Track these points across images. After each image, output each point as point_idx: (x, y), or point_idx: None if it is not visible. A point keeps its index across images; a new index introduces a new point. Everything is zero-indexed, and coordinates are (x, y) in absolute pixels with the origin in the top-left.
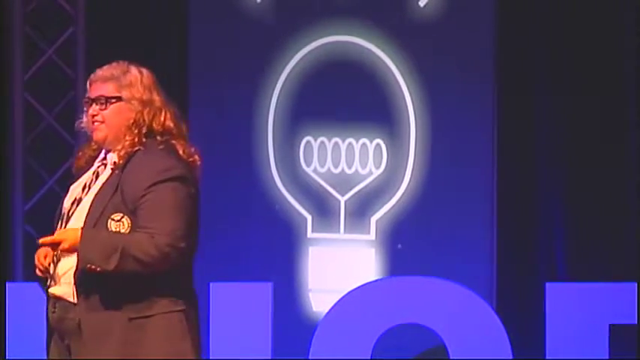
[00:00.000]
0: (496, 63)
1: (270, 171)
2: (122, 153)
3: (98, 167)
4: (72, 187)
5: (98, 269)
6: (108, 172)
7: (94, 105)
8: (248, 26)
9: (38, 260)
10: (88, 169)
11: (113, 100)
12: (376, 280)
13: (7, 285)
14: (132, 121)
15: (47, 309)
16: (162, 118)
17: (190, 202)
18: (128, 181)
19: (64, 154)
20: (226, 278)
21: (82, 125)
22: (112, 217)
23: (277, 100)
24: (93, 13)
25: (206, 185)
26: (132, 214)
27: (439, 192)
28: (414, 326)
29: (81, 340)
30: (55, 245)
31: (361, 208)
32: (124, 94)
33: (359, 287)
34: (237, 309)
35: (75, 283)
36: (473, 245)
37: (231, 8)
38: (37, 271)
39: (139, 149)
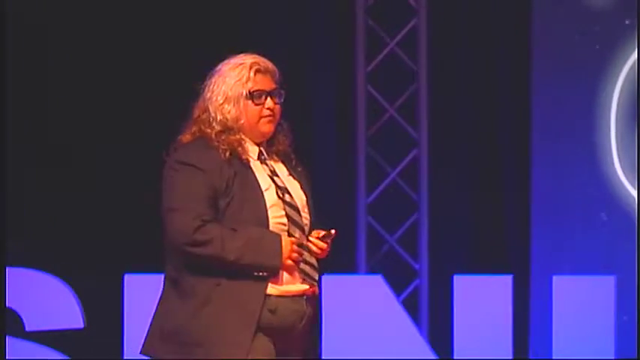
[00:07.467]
0: None
1: None
2: (287, 141)
3: (265, 160)
4: (244, 173)
5: None
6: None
7: (269, 98)
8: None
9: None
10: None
11: (282, 94)
12: None
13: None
14: None
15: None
16: None
17: None
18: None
19: (406, 147)
20: None
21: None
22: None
23: None
24: (436, 5)
25: None
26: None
27: None
28: None
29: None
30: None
31: None
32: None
33: None
34: None
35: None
36: None
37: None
38: (296, 264)
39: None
